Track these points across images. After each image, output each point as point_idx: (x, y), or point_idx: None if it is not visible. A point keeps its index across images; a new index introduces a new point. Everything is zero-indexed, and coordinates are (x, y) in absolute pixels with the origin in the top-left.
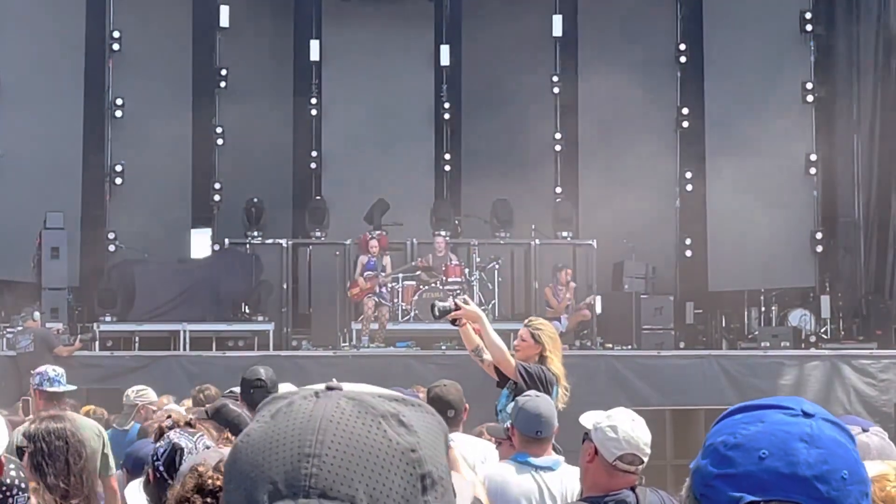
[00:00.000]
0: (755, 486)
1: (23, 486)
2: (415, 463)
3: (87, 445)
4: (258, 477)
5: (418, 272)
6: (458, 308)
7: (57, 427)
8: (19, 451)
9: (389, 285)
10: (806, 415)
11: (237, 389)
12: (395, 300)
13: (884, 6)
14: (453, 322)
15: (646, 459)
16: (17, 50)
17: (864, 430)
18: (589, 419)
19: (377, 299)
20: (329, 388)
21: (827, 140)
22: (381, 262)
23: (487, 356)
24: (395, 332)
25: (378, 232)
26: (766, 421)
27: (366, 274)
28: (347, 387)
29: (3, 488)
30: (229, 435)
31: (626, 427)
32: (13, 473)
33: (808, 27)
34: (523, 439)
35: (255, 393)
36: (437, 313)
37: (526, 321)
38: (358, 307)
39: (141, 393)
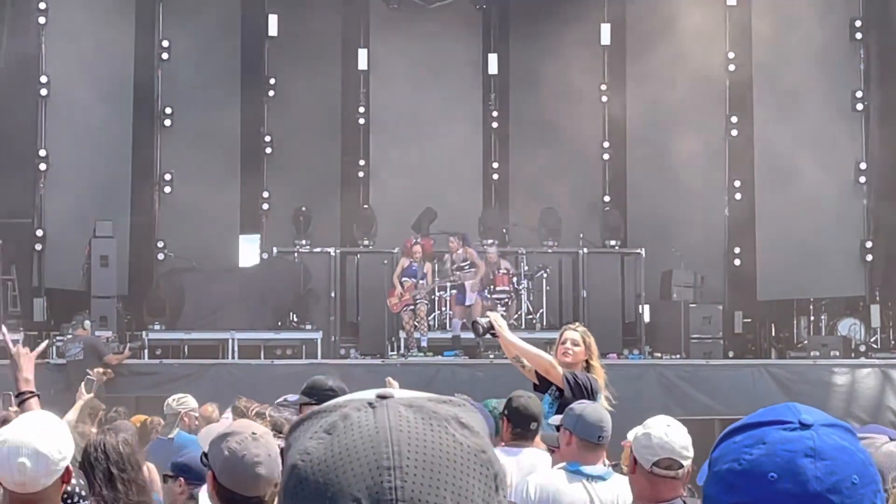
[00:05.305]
0: None
1: (83, 493)
2: (486, 463)
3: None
4: (336, 494)
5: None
6: (492, 327)
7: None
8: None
9: (437, 293)
10: (804, 426)
11: (292, 397)
12: (443, 308)
13: None
14: (492, 332)
15: (686, 463)
16: (67, 60)
17: (892, 440)
18: (632, 432)
19: (414, 305)
20: (381, 397)
21: (877, 148)
22: (422, 268)
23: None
24: (443, 340)
25: (422, 238)
26: (768, 441)
27: (403, 280)
28: (398, 394)
29: (65, 496)
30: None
31: (660, 433)
32: (74, 482)
33: (858, 35)
34: (582, 445)
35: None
36: (480, 331)
37: (574, 325)
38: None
39: (182, 401)
